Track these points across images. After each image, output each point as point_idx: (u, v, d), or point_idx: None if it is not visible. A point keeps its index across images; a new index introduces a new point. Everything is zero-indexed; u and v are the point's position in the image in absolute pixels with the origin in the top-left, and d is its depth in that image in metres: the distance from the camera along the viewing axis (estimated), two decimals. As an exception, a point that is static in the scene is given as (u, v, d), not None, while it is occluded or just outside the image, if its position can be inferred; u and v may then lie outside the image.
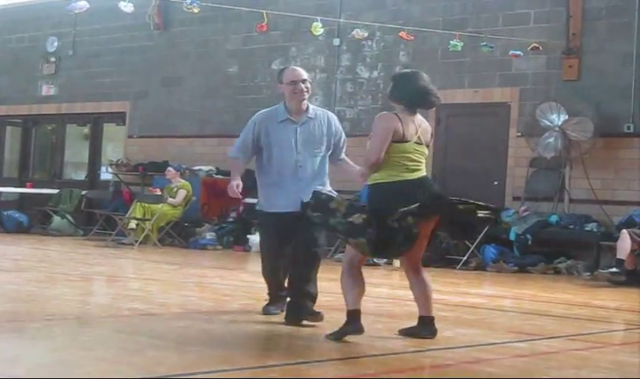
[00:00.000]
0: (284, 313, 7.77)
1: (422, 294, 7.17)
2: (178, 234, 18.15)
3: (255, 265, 15.19)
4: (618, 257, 13.29)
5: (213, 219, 18.65)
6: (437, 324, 7.69)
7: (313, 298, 7.76)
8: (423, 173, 7.02)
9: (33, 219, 20.89)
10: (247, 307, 8.79)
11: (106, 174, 22.21)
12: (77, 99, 22.77)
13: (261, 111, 8.31)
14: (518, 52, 15.76)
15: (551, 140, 15.30)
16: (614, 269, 13.23)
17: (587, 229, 15.12)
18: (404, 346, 6.86)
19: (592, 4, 15.83)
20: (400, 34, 16.36)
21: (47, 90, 23.49)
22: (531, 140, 15.72)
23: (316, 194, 7.16)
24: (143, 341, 6.48)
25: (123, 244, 17.40)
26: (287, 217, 7.87)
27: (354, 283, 7.20)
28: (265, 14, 15.33)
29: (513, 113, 16.42)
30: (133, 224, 17.89)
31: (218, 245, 17.66)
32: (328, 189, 7.95)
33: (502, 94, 16.54)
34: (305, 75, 8.03)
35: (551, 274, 14.71)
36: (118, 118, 22.18)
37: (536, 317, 9.27)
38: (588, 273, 13.90)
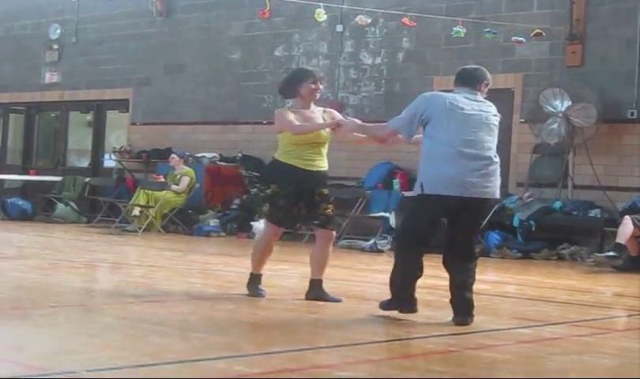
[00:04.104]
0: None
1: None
2: (182, 221, 18.15)
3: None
4: (617, 241, 13.29)
5: (217, 206, 18.65)
6: (441, 311, 7.71)
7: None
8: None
9: (37, 207, 20.89)
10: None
11: (109, 162, 22.19)
12: (80, 86, 22.76)
13: None
14: (521, 38, 15.72)
15: (555, 126, 15.29)
16: (610, 253, 13.26)
17: (591, 215, 15.11)
18: (408, 332, 6.88)
19: (595, -11, 15.82)
20: (403, 20, 16.32)
21: (50, 77, 23.47)
22: (534, 127, 15.70)
23: None
24: (147, 328, 6.49)
25: (127, 231, 17.41)
26: None
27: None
28: (267, 0, 15.30)
29: (517, 99, 16.40)
30: (136, 211, 17.90)
31: (222, 232, 17.65)
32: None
33: (506, 80, 16.51)
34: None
35: (554, 260, 14.70)
36: (122, 105, 22.15)
37: (539, 303, 9.28)
38: (591, 259, 13.90)
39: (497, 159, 7.61)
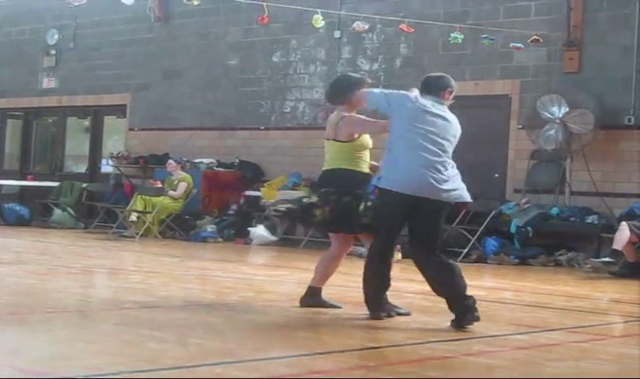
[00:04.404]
0: None
1: None
2: (179, 227, 18.14)
3: (256, 257, 15.26)
4: (614, 247, 13.30)
5: (214, 212, 18.65)
6: (437, 317, 7.72)
7: None
8: (326, 167, 8.12)
9: (34, 212, 20.88)
10: (249, 300, 8.80)
11: (107, 167, 22.21)
12: (78, 91, 22.77)
13: None
14: (519, 44, 15.74)
15: (552, 132, 15.30)
16: (607, 258, 13.27)
17: (588, 221, 15.11)
18: (405, 338, 6.87)
19: (593, -4, 15.83)
20: (400, 26, 16.33)
21: (47, 83, 23.48)
22: (532, 133, 15.71)
23: None
24: (144, 334, 6.49)
25: (124, 237, 17.40)
26: None
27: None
28: (265, 6, 15.30)
29: (514, 105, 16.40)
30: (134, 217, 17.90)
31: (219, 237, 17.65)
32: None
33: (503, 86, 16.53)
34: None
35: (551, 266, 14.70)
36: (119, 110, 22.16)
37: (536, 309, 9.28)
38: (588, 265, 13.92)
39: (453, 167, 7.66)
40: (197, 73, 20.71)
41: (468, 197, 7.68)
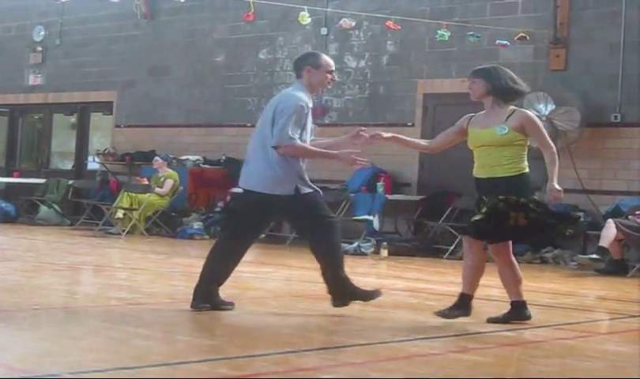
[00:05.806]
0: None
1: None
2: (166, 224, 18.11)
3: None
4: (600, 244, 13.34)
5: (200, 209, 18.63)
6: (423, 314, 7.73)
7: None
8: None
9: (20, 209, 20.81)
10: (235, 297, 8.79)
11: (93, 164, 22.14)
12: (64, 88, 22.70)
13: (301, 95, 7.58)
14: (505, 42, 15.76)
15: (539, 129, 15.30)
16: (594, 255, 13.31)
17: (574, 218, 15.13)
18: (392, 335, 6.88)
19: (579, -7, 15.86)
20: (387, 23, 16.34)
21: (33, 79, 23.40)
22: (518, 130, 15.71)
23: None
24: (130, 331, 6.48)
25: (110, 234, 17.37)
26: None
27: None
28: (251, 3, 15.28)
29: (501, 102, 16.41)
30: (120, 214, 17.85)
31: (205, 234, 17.62)
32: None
33: (490, 84, 16.53)
34: None
35: (537, 263, 14.71)
36: (106, 107, 22.11)
37: (522, 306, 9.28)
38: (574, 262, 13.94)
39: (264, 153, 7.47)
40: (184, 70, 20.68)
41: (255, 187, 7.54)
